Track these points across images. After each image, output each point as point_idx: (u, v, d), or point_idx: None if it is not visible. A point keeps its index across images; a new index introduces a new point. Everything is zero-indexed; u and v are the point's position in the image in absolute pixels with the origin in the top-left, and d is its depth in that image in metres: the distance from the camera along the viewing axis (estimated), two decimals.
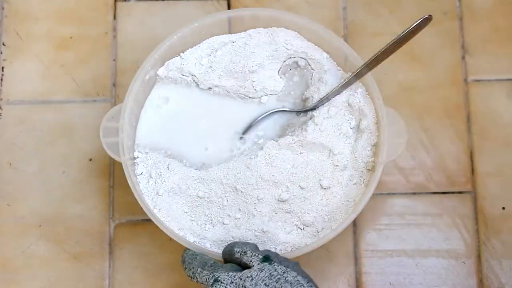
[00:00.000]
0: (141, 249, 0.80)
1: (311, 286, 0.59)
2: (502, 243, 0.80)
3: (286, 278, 0.59)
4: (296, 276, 0.59)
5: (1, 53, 0.86)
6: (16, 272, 0.79)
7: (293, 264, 0.62)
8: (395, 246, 0.80)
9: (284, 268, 0.60)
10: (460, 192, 0.82)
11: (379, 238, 0.80)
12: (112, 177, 0.82)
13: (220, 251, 0.68)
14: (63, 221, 0.81)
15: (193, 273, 0.64)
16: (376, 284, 0.79)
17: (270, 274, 0.59)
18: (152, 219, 0.70)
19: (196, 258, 0.66)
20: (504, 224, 0.81)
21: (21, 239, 0.80)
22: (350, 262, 0.80)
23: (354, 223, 0.81)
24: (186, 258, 0.66)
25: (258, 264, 0.60)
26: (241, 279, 0.60)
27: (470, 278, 0.79)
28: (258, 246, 0.66)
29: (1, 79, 0.85)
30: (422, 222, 0.81)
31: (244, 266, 0.62)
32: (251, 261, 0.61)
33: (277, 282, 0.59)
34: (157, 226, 0.70)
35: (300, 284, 0.59)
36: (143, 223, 0.80)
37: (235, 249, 0.64)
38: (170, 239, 0.70)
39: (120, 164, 0.72)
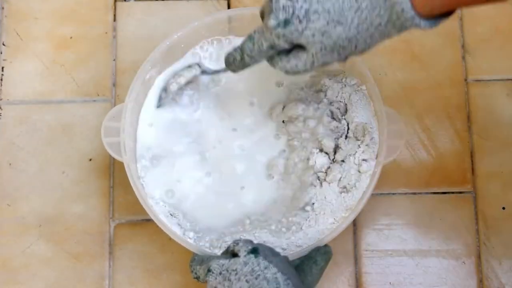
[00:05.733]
0: (141, 249, 0.80)
1: (288, 284, 0.60)
2: (502, 243, 0.80)
3: (266, 275, 0.60)
4: (275, 273, 0.60)
5: (1, 53, 0.86)
6: (16, 272, 0.79)
7: (278, 260, 0.63)
8: (395, 246, 0.80)
9: (267, 263, 0.61)
10: (460, 192, 0.82)
11: (379, 238, 0.80)
12: (112, 177, 0.82)
13: (219, 253, 0.68)
14: (63, 221, 0.81)
15: (195, 273, 0.65)
16: (376, 284, 0.79)
17: (252, 269, 0.60)
18: (154, 219, 0.70)
19: (195, 259, 0.66)
20: (504, 224, 0.81)
21: (21, 239, 0.80)
22: (350, 262, 0.80)
23: (354, 223, 0.81)
24: (190, 263, 0.66)
25: (245, 255, 0.62)
26: (227, 271, 0.61)
27: (470, 278, 0.79)
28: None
29: (1, 79, 0.85)
30: (422, 222, 0.80)
31: (235, 256, 0.64)
32: (239, 250, 0.63)
33: (256, 279, 0.60)
34: (157, 226, 0.70)
35: (277, 282, 0.60)
36: (143, 223, 0.80)
37: (232, 241, 0.65)
38: (170, 239, 0.70)
39: (120, 164, 0.72)
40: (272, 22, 0.60)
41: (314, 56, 0.62)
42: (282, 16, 0.60)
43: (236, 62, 0.66)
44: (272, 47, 0.63)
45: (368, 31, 0.59)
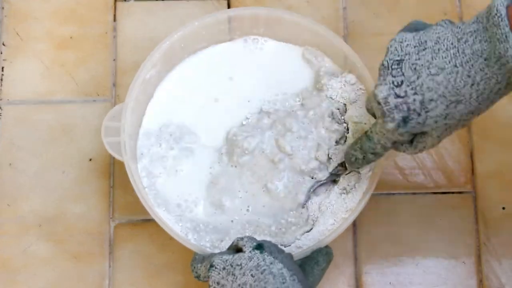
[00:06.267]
0: (141, 249, 0.80)
1: (294, 280, 0.60)
2: (502, 243, 0.80)
3: (271, 270, 0.60)
4: (281, 269, 0.60)
5: (1, 53, 0.86)
6: (16, 272, 0.79)
7: (283, 256, 0.63)
8: (395, 246, 0.80)
9: (272, 259, 0.61)
10: (460, 192, 0.82)
11: (379, 238, 0.80)
12: (112, 177, 0.82)
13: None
14: (63, 221, 0.81)
15: (196, 272, 0.65)
16: (376, 284, 0.79)
17: (257, 264, 0.60)
18: (155, 218, 0.70)
19: (195, 258, 0.66)
20: (504, 224, 0.81)
21: (21, 239, 0.80)
22: (350, 262, 0.80)
23: (354, 224, 0.80)
24: (191, 263, 0.66)
25: (250, 251, 0.62)
26: (231, 265, 0.61)
27: (470, 278, 0.79)
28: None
29: (1, 79, 0.85)
30: (422, 222, 0.80)
31: (239, 251, 0.64)
32: (244, 245, 0.63)
33: (262, 273, 0.60)
34: (157, 226, 0.70)
35: (283, 277, 0.60)
36: (143, 223, 0.80)
37: (236, 238, 0.65)
38: (171, 238, 0.70)
39: (121, 164, 0.72)
40: (390, 125, 0.60)
41: (441, 136, 0.62)
42: (398, 115, 0.60)
43: (359, 161, 0.67)
44: (395, 142, 0.64)
45: (489, 98, 0.58)
